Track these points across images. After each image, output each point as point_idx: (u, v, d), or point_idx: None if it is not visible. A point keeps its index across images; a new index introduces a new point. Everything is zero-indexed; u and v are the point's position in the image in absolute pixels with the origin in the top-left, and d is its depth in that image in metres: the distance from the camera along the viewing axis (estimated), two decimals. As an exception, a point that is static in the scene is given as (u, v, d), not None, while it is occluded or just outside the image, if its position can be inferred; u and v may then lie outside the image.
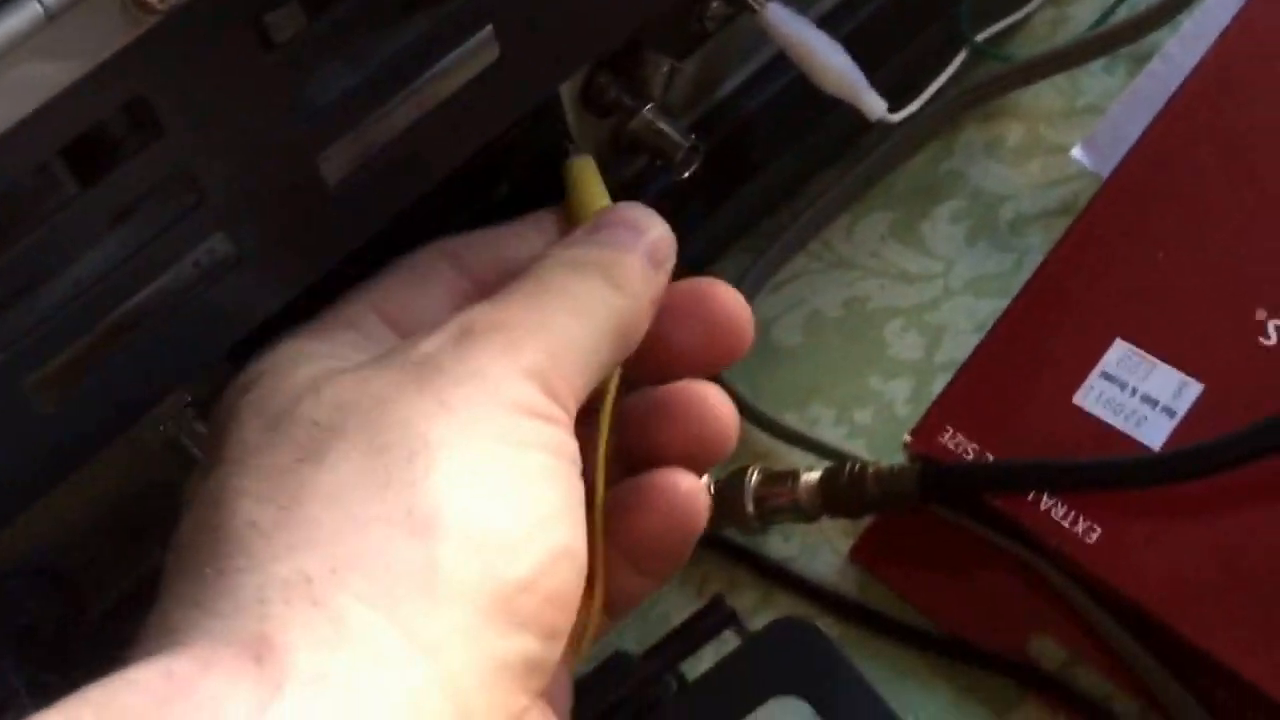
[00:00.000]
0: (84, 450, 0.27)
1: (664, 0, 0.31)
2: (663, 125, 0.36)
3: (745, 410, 0.40)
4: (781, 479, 0.36)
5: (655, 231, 0.28)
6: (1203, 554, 0.32)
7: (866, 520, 0.38)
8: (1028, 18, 0.45)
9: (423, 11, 0.27)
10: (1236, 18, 0.39)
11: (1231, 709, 0.32)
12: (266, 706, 0.20)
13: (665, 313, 0.27)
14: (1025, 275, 0.39)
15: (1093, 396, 0.34)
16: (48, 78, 0.22)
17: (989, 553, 0.35)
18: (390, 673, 0.21)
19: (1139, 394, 0.34)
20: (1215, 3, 0.41)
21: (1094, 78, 0.44)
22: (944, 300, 0.42)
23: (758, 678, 0.32)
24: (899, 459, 0.37)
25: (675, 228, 0.41)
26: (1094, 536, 0.33)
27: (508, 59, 0.28)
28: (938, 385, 0.38)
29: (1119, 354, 0.35)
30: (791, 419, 0.41)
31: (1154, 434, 0.33)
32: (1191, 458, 0.32)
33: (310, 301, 0.28)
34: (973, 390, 0.36)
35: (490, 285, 0.28)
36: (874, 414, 0.40)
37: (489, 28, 0.27)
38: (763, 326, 0.43)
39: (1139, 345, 0.35)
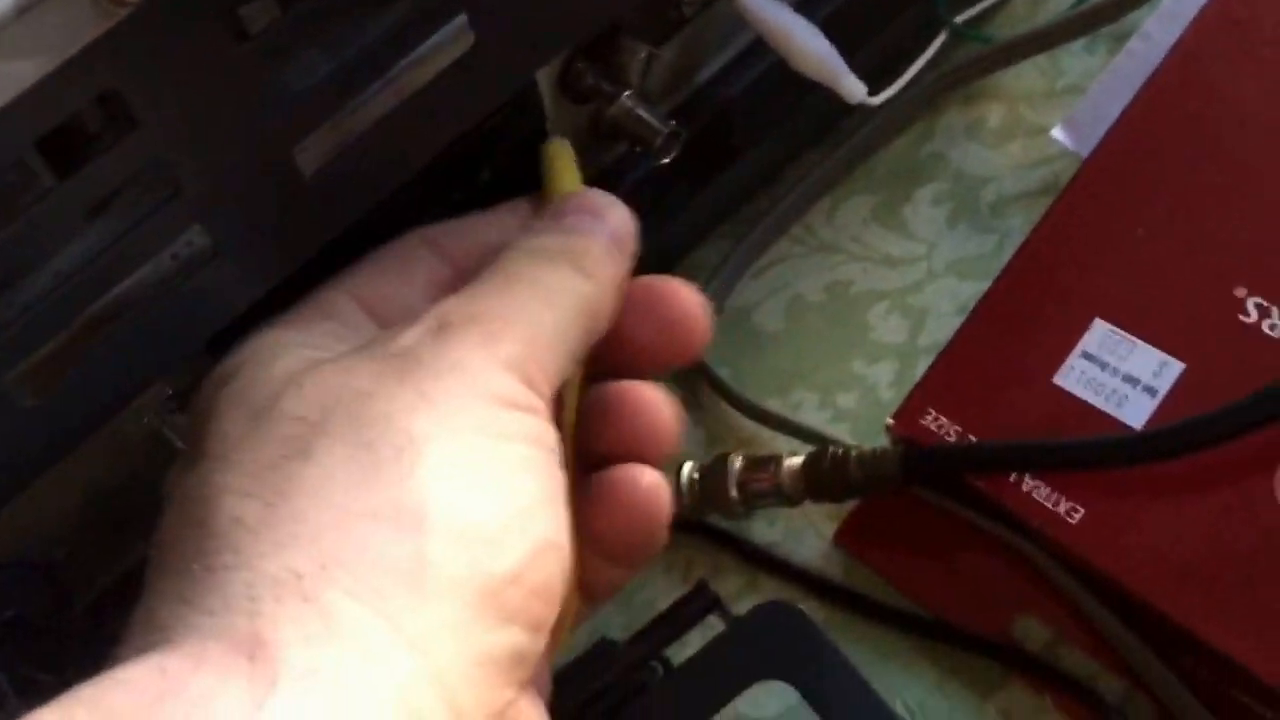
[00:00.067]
0: (65, 443, 0.27)
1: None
2: (641, 112, 0.36)
3: (728, 396, 0.40)
4: (764, 464, 0.36)
5: (617, 216, 0.28)
6: (1185, 533, 0.32)
7: (850, 504, 0.38)
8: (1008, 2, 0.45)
9: (396, 1, 0.27)
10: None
11: (1215, 687, 0.32)
12: (260, 703, 0.20)
13: (624, 310, 0.28)
14: (1007, 256, 0.39)
15: (1074, 377, 0.34)
16: (18, 72, 0.22)
17: (972, 534, 0.35)
18: (380, 668, 0.21)
19: (1120, 373, 0.34)
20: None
21: (1075, 57, 0.44)
22: (927, 283, 0.42)
23: (742, 662, 0.32)
24: (883, 442, 0.37)
25: (656, 214, 0.41)
26: (1076, 517, 0.33)
27: (482, 47, 0.28)
28: (921, 368, 0.38)
29: (1099, 334, 0.35)
30: (775, 404, 0.41)
31: (1135, 413, 0.33)
32: (1172, 436, 0.32)
33: (292, 290, 0.28)
34: (954, 372, 0.36)
35: (470, 272, 0.28)
36: (858, 398, 0.40)
37: (462, 16, 0.27)
38: (745, 312, 0.43)
39: (1119, 325, 0.35)
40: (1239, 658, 0.31)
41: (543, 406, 0.25)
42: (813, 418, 0.40)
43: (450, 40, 0.27)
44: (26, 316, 0.24)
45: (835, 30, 0.38)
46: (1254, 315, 0.33)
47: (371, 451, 0.23)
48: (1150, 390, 0.33)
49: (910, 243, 0.43)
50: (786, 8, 0.37)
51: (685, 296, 0.28)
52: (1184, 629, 0.31)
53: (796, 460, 0.36)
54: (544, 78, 0.34)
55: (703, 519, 0.38)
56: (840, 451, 0.35)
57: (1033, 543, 0.34)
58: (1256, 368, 0.32)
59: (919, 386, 0.36)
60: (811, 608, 0.37)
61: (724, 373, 0.41)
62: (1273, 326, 0.33)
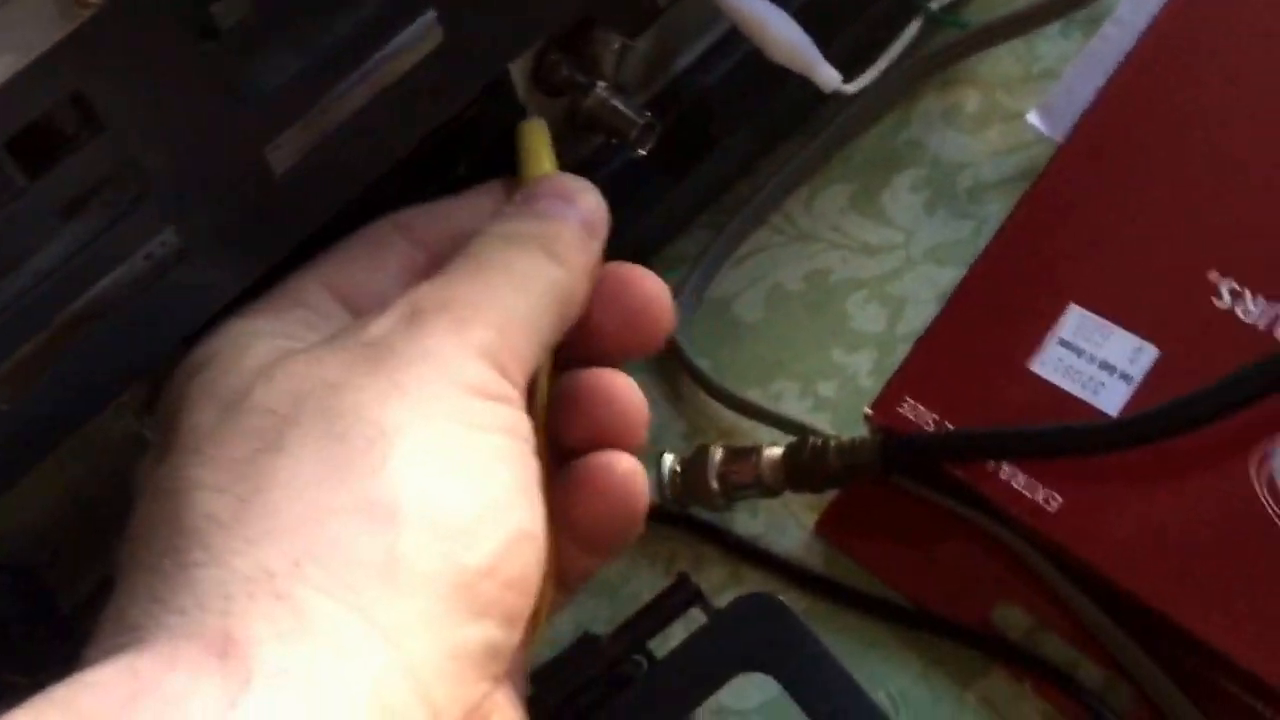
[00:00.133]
0: (42, 446, 0.27)
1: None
2: (616, 103, 0.36)
3: (708, 387, 0.40)
4: (744, 455, 0.36)
5: (588, 201, 0.28)
6: (1162, 519, 0.32)
7: (831, 494, 0.38)
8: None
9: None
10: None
11: (1194, 672, 0.32)
12: (234, 702, 0.20)
13: (590, 298, 0.28)
14: (985, 243, 0.39)
15: (1050, 363, 0.35)
16: (-20, 74, 0.21)
17: (952, 523, 0.35)
18: (354, 664, 0.21)
19: (1096, 360, 0.34)
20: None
21: (1050, 42, 0.44)
22: (905, 270, 0.42)
23: (724, 655, 0.32)
24: (862, 431, 0.37)
25: (634, 205, 0.41)
26: (1054, 504, 0.33)
27: (453, 41, 0.28)
28: (900, 356, 0.38)
29: (1075, 320, 0.35)
30: (755, 394, 0.41)
31: (1111, 399, 0.34)
32: (1147, 422, 0.32)
33: (269, 284, 0.28)
34: (932, 361, 0.36)
35: (444, 257, 0.27)
36: (838, 387, 0.40)
37: (432, 11, 0.27)
38: (724, 302, 0.43)
39: (1095, 310, 0.35)
40: (1215, 643, 0.31)
41: (516, 395, 0.25)
42: (793, 407, 0.40)
43: (420, 36, 0.27)
44: (1, 319, 0.24)
45: (810, 18, 0.38)
46: (1228, 299, 0.33)
47: (343, 443, 0.23)
48: (1126, 376, 0.34)
49: (888, 230, 0.43)
50: (763, 3, 0.37)
51: (649, 284, 0.28)
52: (1161, 615, 0.31)
53: (776, 451, 0.36)
54: (517, 71, 0.34)
55: (685, 511, 0.38)
56: (819, 442, 0.35)
57: (1012, 531, 0.34)
58: (1231, 352, 0.32)
59: (897, 375, 0.36)
60: (794, 598, 0.37)
61: (704, 363, 0.41)
62: (1247, 310, 0.33)
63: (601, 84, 0.35)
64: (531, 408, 0.27)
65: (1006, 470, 0.33)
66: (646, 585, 0.37)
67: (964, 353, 0.36)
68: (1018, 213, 0.37)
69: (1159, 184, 0.36)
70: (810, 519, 0.38)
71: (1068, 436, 0.33)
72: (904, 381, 0.36)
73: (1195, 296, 0.34)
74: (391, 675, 0.21)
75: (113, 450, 0.31)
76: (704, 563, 0.39)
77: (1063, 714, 0.34)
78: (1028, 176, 0.41)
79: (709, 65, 0.41)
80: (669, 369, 0.41)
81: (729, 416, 0.40)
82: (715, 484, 0.36)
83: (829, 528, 0.38)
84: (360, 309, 0.27)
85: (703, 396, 0.41)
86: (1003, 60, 0.44)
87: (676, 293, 0.42)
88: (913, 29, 0.42)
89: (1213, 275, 0.34)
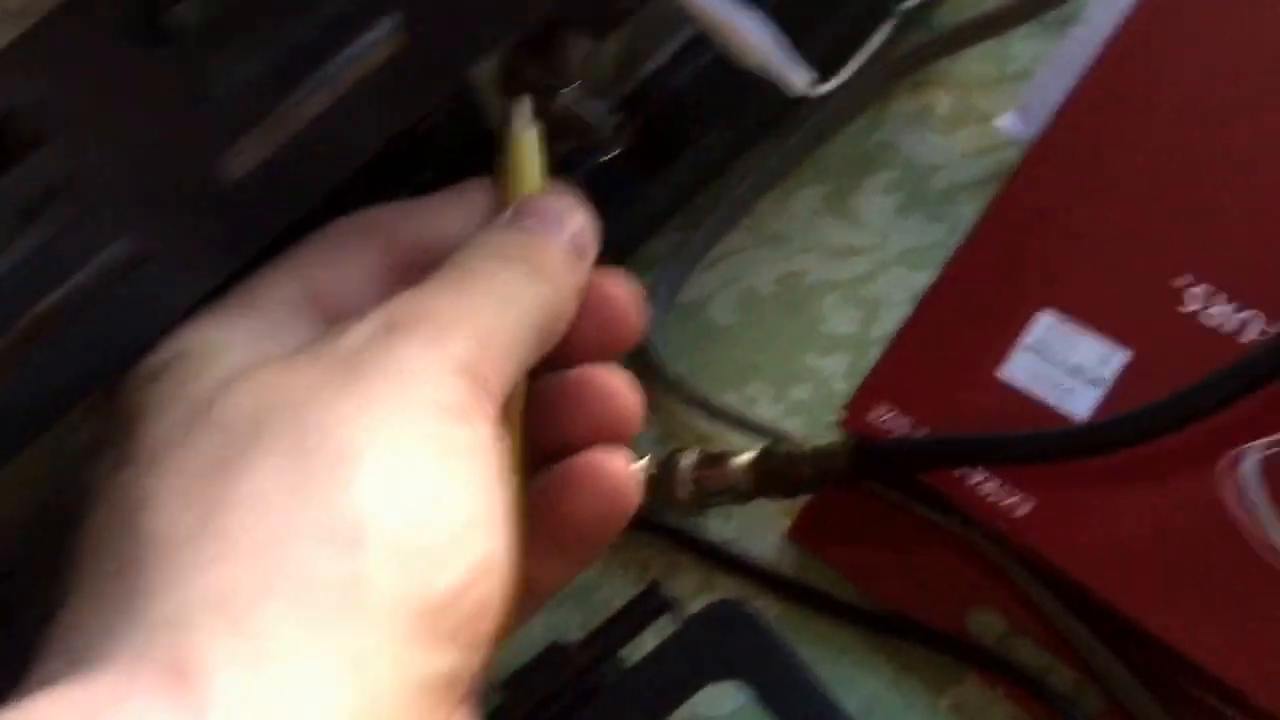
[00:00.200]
0: (2, 455, 0.27)
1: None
2: (585, 106, 0.35)
3: (681, 391, 0.40)
4: (716, 461, 0.36)
5: (578, 221, 0.27)
6: (1135, 525, 0.32)
7: (805, 498, 0.37)
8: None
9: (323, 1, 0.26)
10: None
11: (1166, 678, 0.32)
12: None
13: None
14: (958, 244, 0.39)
15: (1019, 368, 0.34)
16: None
17: (926, 528, 0.35)
18: (311, 694, 0.21)
19: (1065, 365, 0.34)
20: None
21: (1023, 43, 0.44)
22: (879, 273, 0.42)
23: (694, 663, 0.32)
24: (836, 434, 0.36)
25: (605, 207, 0.41)
26: (1025, 509, 0.33)
27: (415, 44, 0.27)
28: (874, 359, 0.38)
29: (1044, 324, 0.35)
30: (729, 398, 0.40)
31: (1081, 405, 0.33)
32: (1117, 428, 0.32)
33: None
34: (903, 365, 0.36)
35: (416, 261, 0.27)
36: (811, 390, 0.40)
37: (393, 14, 0.27)
38: (697, 305, 0.42)
39: (1064, 315, 0.35)
40: (1184, 648, 0.31)
41: (492, 411, 0.24)
42: (767, 411, 0.40)
43: (381, 39, 0.27)
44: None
45: (780, 20, 0.37)
46: (1197, 304, 0.33)
47: (308, 462, 0.22)
48: (1095, 381, 0.33)
49: (862, 233, 0.42)
50: (731, 5, 0.36)
51: (620, 288, 0.28)
52: (1131, 620, 0.31)
53: (747, 457, 0.36)
54: (483, 73, 0.34)
55: (657, 517, 0.38)
56: (791, 448, 0.35)
57: (984, 536, 0.33)
58: (1201, 356, 0.32)
59: (867, 381, 0.36)
60: (767, 604, 0.37)
61: (677, 367, 0.41)
62: (1216, 315, 0.33)
63: (570, 86, 0.35)
64: (507, 420, 0.26)
65: (977, 476, 0.33)
66: (618, 593, 0.37)
67: (934, 357, 0.36)
68: (987, 216, 0.37)
69: (1128, 187, 0.36)
70: (784, 524, 0.38)
71: (1038, 443, 0.33)
72: (875, 387, 0.36)
73: (1165, 301, 0.34)
74: (352, 706, 0.21)
75: (75, 461, 0.30)
76: (676, 569, 0.38)
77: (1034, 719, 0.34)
78: (1001, 178, 0.41)
79: (680, 66, 0.40)
80: (640, 372, 0.41)
81: (701, 421, 0.40)
82: (687, 490, 0.36)
83: (802, 533, 0.38)
84: (328, 311, 0.26)
85: (675, 400, 0.41)
86: (975, 61, 0.44)
87: (648, 296, 0.42)
88: (884, 30, 0.42)
89: (1182, 279, 0.34)
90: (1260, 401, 0.31)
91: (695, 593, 0.38)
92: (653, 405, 0.41)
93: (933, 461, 0.34)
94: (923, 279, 0.40)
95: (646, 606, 0.34)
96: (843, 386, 0.40)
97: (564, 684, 0.33)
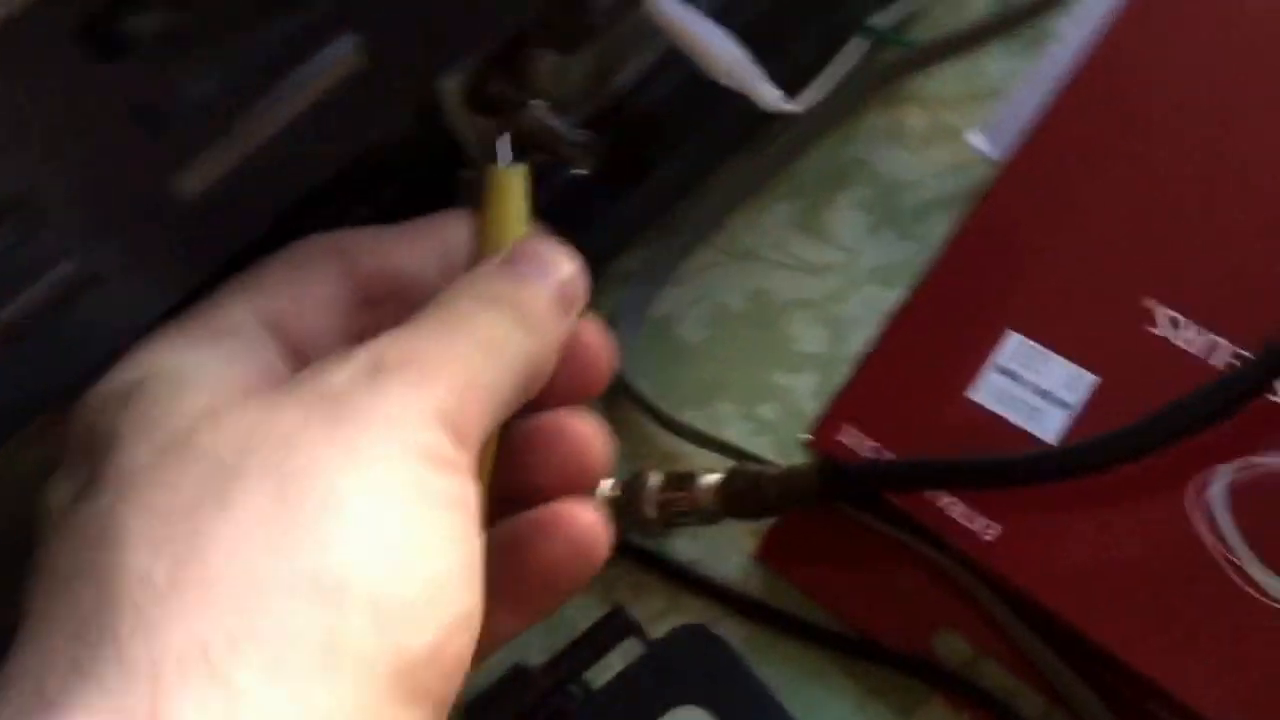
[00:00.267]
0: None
1: (535, 3, 0.30)
2: (553, 122, 0.35)
3: (649, 409, 0.40)
4: (682, 482, 0.36)
5: (567, 273, 0.27)
6: (1101, 549, 0.32)
7: (771, 519, 0.37)
8: (926, 3, 0.44)
9: (281, 15, 0.26)
10: (1128, 1, 0.38)
11: (1133, 703, 0.32)
12: None
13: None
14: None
15: (987, 390, 0.34)
16: None
17: (894, 549, 0.35)
18: None
19: (1034, 387, 0.34)
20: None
21: (995, 61, 0.44)
22: (849, 291, 0.41)
23: (659, 688, 0.31)
24: (804, 454, 0.36)
25: (575, 223, 0.41)
26: (992, 534, 0.32)
27: (375, 61, 0.27)
28: (843, 378, 0.38)
29: (1013, 346, 0.34)
30: (696, 416, 0.40)
31: (1049, 427, 0.33)
32: (1085, 453, 0.31)
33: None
34: (870, 386, 0.36)
35: (380, 292, 0.26)
36: (780, 409, 0.40)
37: (352, 31, 0.26)
38: (667, 322, 0.42)
39: (1033, 337, 0.34)
40: (1151, 673, 0.30)
41: (469, 463, 0.24)
42: (734, 430, 0.40)
43: (340, 55, 0.26)
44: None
45: (753, 36, 0.37)
46: (1165, 326, 0.33)
47: (291, 508, 0.21)
48: (1063, 404, 0.33)
49: (833, 250, 0.42)
50: (699, 15, 0.36)
51: (594, 334, 0.27)
52: (1098, 645, 0.31)
53: (714, 478, 0.35)
54: (450, 89, 0.33)
55: (622, 537, 0.38)
56: (757, 470, 0.35)
57: (952, 559, 0.33)
58: (1169, 380, 0.32)
59: (835, 401, 0.36)
60: (733, 626, 0.37)
61: (644, 384, 0.40)
62: (1184, 338, 0.33)
63: (538, 102, 0.35)
64: (479, 469, 0.26)
65: (945, 499, 0.33)
66: (582, 614, 0.36)
67: (903, 378, 0.35)
68: (957, 236, 0.37)
69: (1098, 208, 0.36)
70: (751, 544, 0.38)
71: (1005, 467, 0.32)
72: (843, 408, 0.35)
73: (1133, 323, 0.34)
74: None
75: (26, 483, 0.30)
76: (642, 589, 0.38)
77: (1002, 744, 0.34)
78: (973, 196, 0.41)
79: (651, 82, 0.40)
80: (607, 390, 0.41)
81: (668, 439, 0.40)
82: (653, 511, 0.36)
83: (769, 553, 0.37)
84: (290, 337, 0.26)
85: (642, 419, 0.40)
86: (948, 78, 0.44)
87: (617, 312, 0.42)
88: (856, 47, 0.41)
89: (1151, 302, 0.34)
90: (1229, 424, 0.31)
91: (661, 614, 0.37)
92: (619, 422, 0.41)
93: (900, 484, 0.33)
94: (893, 297, 0.40)
95: (611, 629, 0.33)
96: (811, 405, 0.39)
97: (528, 707, 0.32)
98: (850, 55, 0.41)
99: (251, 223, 0.27)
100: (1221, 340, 0.33)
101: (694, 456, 0.39)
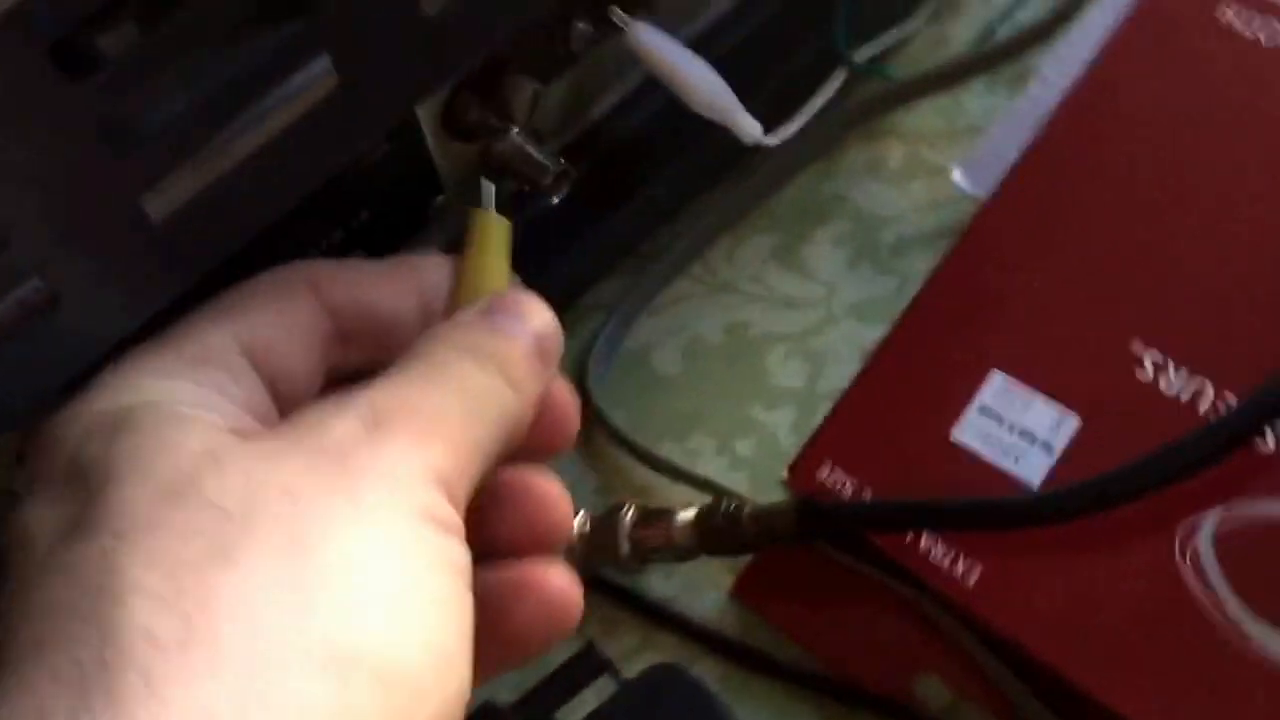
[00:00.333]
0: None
1: (515, 26, 0.29)
2: (529, 149, 0.34)
3: (623, 442, 0.39)
4: (657, 517, 0.35)
5: (544, 326, 0.26)
6: (1085, 593, 0.31)
7: (748, 555, 0.36)
8: (907, 37, 0.44)
9: (252, 38, 0.25)
10: (1110, 41, 0.38)
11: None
12: None
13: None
14: (908, 299, 0.38)
15: (970, 430, 0.34)
16: None
17: (874, 589, 0.34)
18: None
19: (1016, 428, 0.33)
20: (1090, 23, 0.40)
21: (975, 97, 0.44)
22: (827, 326, 0.41)
23: (632, 729, 0.31)
24: (781, 490, 0.36)
25: (552, 251, 0.40)
26: (974, 576, 0.32)
27: (350, 84, 0.26)
28: (820, 414, 0.37)
29: (996, 387, 0.34)
30: (672, 449, 0.39)
31: (1032, 469, 0.33)
32: (1068, 499, 0.31)
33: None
34: (851, 424, 0.35)
35: (354, 327, 0.26)
36: (756, 444, 0.39)
37: (326, 54, 0.26)
38: (642, 353, 0.42)
39: (1016, 377, 0.34)
40: (1135, 719, 0.30)
41: (461, 525, 0.23)
42: (710, 464, 0.39)
43: (313, 80, 0.26)
44: None
45: (732, 68, 0.37)
46: (1150, 369, 0.33)
47: (301, 570, 0.21)
48: (1047, 446, 0.33)
49: (811, 284, 0.42)
50: (678, 45, 0.36)
51: (561, 391, 0.27)
52: (1083, 691, 0.31)
53: (690, 514, 0.35)
54: (427, 115, 0.33)
55: (596, 572, 0.37)
56: (733, 507, 0.34)
57: (933, 601, 0.33)
58: (1153, 423, 0.32)
59: (815, 438, 0.35)
60: (709, 665, 0.36)
61: (619, 415, 0.40)
62: (1169, 382, 0.33)
63: (514, 129, 0.34)
64: None
65: (926, 540, 0.32)
66: (555, 651, 0.36)
67: (884, 417, 0.35)
68: (939, 274, 0.37)
69: (1082, 249, 0.36)
70: (727, 580, 0.37)
71: (987, 511, 0.32)
72: (822, 445, 0.35)
73: (1118, 366, 0.33)
74: None
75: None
76: (615, 627, 0.37)
77: (980, 789, 0.33)
78: (952, 232, 0.41)
79: (629, 111, 0.40)
80: (582, 421, 0.40)
81: (643, 472, 0.39)
82: (627, 546, 0.35)
83: (746, 591, 0.37)
84: (265, 366, 0.25)
85: (617, 451, 0.40)
86: (927, 114, 0.44)
87: (593, 341, 0.41)
88: (836, 81, 0.41)
89: (1136, 345, 0.33)
90: (1216, 470, 0.30)
91: (635, 651, 0.37)
92: (593, 455, 0.40)
93: (879, 525, 0.33)
94: (871, 333, 0.40)
95: (583, 666, 0.32)
96: (789, 440, 0.39)
97: (496, 748, 0.32)
98: (830, 89, 0.41)
99: (220, 246, 0.27)
100: (1205, 383, 0.33)
101: (669, 490, 0.38)
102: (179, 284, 0.27)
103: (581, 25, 0.34)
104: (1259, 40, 0.37)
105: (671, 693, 0.31)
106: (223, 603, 0.20)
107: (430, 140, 0.33)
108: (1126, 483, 0.30)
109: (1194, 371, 0.33)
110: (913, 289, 0.39)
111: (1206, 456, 0.30)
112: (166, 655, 0.20)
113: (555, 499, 0.26)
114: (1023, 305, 0.35)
